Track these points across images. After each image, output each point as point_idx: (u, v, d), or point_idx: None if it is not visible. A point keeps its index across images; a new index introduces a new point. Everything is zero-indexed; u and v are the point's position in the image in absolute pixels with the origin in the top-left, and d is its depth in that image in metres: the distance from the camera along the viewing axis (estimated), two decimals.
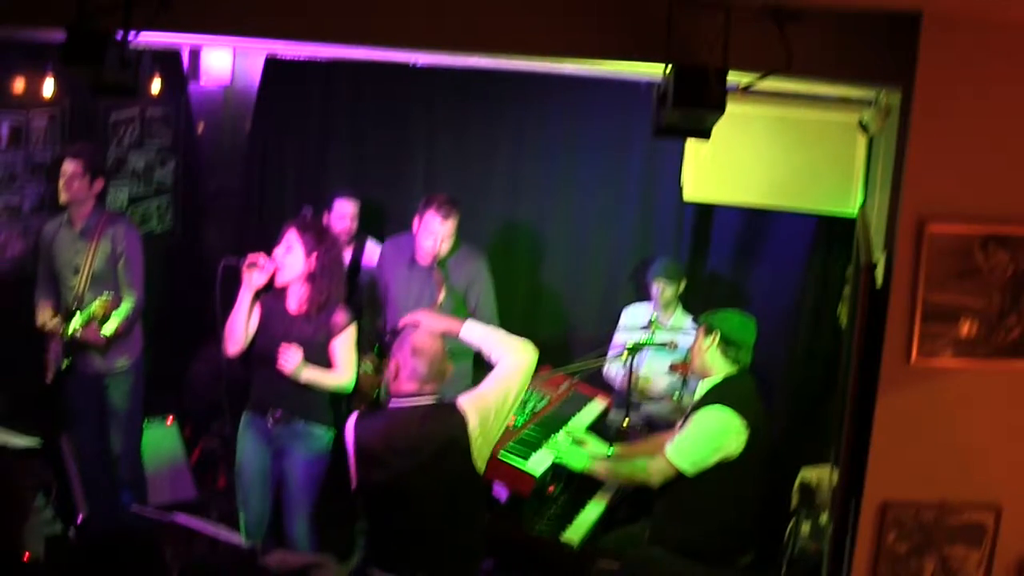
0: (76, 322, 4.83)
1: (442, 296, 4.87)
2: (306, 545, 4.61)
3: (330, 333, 4.46)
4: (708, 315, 4.34)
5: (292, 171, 6.37)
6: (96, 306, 4.80)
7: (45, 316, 5.05)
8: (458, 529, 3.74)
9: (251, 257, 4.39)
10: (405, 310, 4.94)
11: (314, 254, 4.41)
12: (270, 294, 4.51)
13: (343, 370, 4.50)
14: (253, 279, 4.38)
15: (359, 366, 4.87)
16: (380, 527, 3.79)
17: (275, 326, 4.47)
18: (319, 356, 4.45)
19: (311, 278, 4.43)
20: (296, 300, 4.48)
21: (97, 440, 5.26)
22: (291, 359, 4.36)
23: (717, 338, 4.22)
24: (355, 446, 3.69)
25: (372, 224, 5.98)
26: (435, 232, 4.87)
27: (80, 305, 4.93)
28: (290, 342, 4.41)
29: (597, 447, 4.60)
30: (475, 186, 6.06)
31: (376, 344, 5.17)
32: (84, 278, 4.97)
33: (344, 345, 4.49)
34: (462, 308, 5.00)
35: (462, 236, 5.06)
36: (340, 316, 4.47)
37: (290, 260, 4.41)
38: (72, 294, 4.98)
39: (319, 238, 4.44)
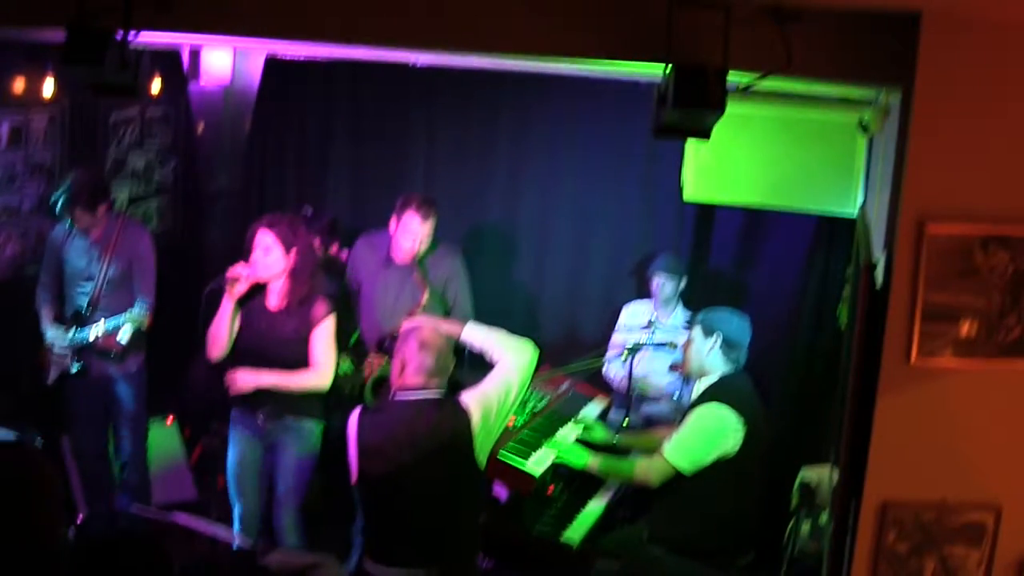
0: (99, 329, 4.82)
1: (425, 296, 4.87)
2: (295, 539, 4.62)
3: (310, 325, 4.47)
4: (705, 315, 4.34)
5: (292, 171, 6.36)
6: (129, 318, 4.80)
7: (49, 321, 5.05)
8: (457, 524, 3.78)
9: (231, 272, 4.40)
10: (383, 308, 4.97)
11: (293, 250, 4.44)
12: (251, 293, 4.53)
13: (318, 367, 4.49)
14: (236, 290, 4.42)
15: (338, 365, 4.89)
16: (379, 521, 3.82)
17: (257, 323, 4.50)
18: (300, 351, 4.47)
19: (293, 274, 4.45)
20: (276, 296, 4.51)
21: (100, 441, 5.27)
22: (240, 381, 4.40)
23: (719, 340, 4.23)
24: (357, 440, 3.74)
25: (371, 224, 5.98)
26: (414, 232, 4.89)
27: (95, 311, 4.93)
28: (271, 337, 4.44)
29: (602, 434, 4.65)
30: (475, 186, 6.07)
31: (352, 342, 5.17)
32: (100, 285, 4.97)
33: (322, 338, 4.48)
34: (442, 306, 5.02)
35: (443, 234, 5.10)
36: (320, 307, 4.49)
37: (271, 260, 4.42)
38: (86, 300, 4.99)
39: (294, 233, 4.46)
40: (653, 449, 4.40)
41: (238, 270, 4.40)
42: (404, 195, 5.02)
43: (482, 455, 3.74)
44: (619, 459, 4.49)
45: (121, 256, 5.02)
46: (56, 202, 4.87)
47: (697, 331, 4.31)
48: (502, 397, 3.79)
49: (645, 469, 4.26)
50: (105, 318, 4.86)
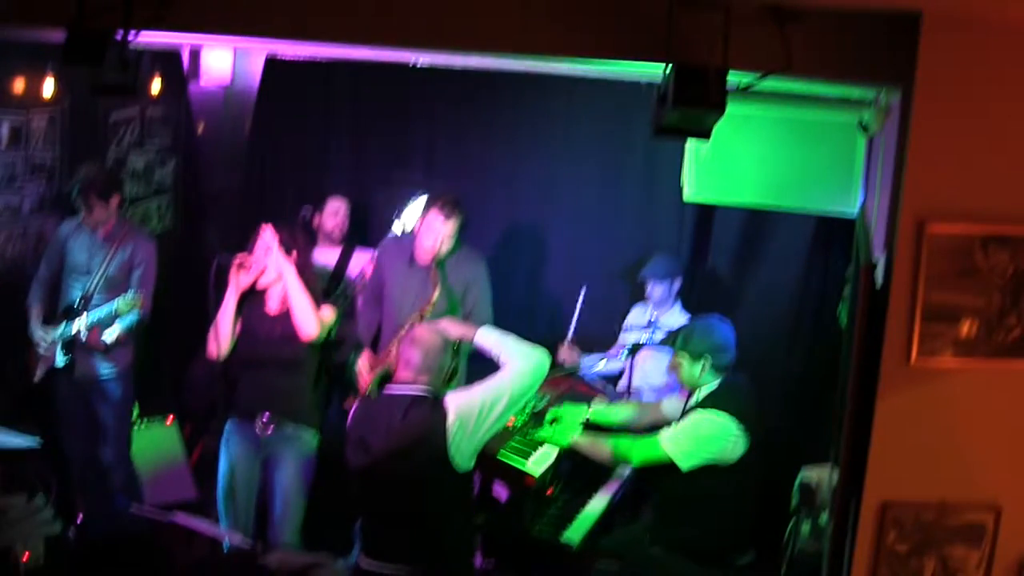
0: (82, 323, 4.84)
1: (436, 295, 4.85)
2: (296, 545, 4.61)
3: None
4: (685, 340, 4.27)
5: (292, 171, 6.36)
6: (121, 304, 4.81)
7: (37, 320, 5.06)
8: (441, 523, 3.78)
9: (239, 257, 4.43)
10: (403, 308, 4.97)
11: (293, 252, 4.47)
12: (250, 299, 4.54)
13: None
14: (240, 280, 4.43)
15: (355, 367, 4.89)
16: (367, 514, 3.87)
17: (256, 328, 4.51)
18: (298, 351, 4.48)
19: None
20: (277, 300, 4.53)
21: (87, 443, 5.24)
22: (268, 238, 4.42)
23: (707, 361, 4.21)
24: (348, 429, 3.82)
25: (370, 224, 5.99)
26: (436, 231, 4.87)
27: (86, 306, 4.94)
28: (271, 341, 4.45)
29: (573, 413, 4.61)
30: (475, 186, 6.06)
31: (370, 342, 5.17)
32: (96, 281, 4.99)
33: (326, 312, 4.53)
34: (456, 308, 5.01)
35: (464, 238, 5.06)
36: (324, 309, 4.53)
37: (270, 261, 4.46)
38: (80, 294, 5.00)
39: (294, 237, 4.53)
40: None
41: (246, 257, 4.44)
42: (431, 195, 4.99)
43: (459, 457, 3.71)
44: (603, 437, 4.45)
45: (124, 258, 5.04)
46: (72, 192, 4.95)
47: (683, 356, 4.27)
48: (489, 403, 3.74)
49: (627, 447, 4.25)
50: (75, 309, 4.90)
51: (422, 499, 3.73)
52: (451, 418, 3.68)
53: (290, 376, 4.52)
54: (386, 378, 4.66)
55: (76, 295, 5.03)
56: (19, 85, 5.22)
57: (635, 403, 4.95)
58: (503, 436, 4.14)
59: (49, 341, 4.98)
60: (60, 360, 5.00)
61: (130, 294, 4.86)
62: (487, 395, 3.76)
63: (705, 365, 4.21)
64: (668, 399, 4.75)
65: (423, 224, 4.91)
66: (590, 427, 4.61)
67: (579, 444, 4.38)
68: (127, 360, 5.19)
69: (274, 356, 4.48)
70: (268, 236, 4.45)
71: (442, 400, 3.74)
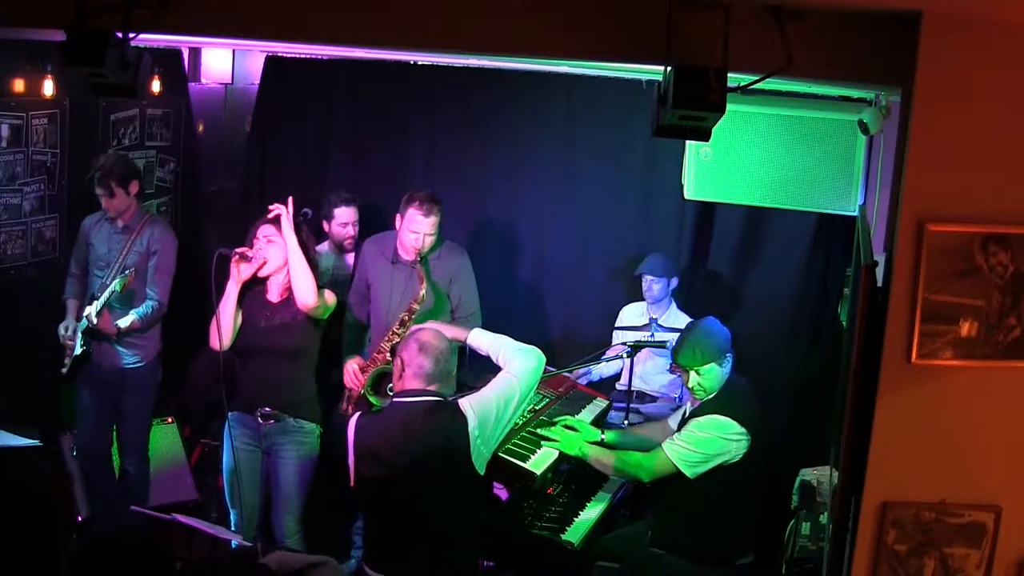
0: (92, 309, 4.87)
1: (423, 290, 4.85)
2: (296, 542, 4.62)
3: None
4: (686, 354, 4.24)
5: (292, 171, 6.37)
6: (118, 283, 4.83)
7: (72, 316, 5.07)
8: (455, 529, 3.74)
9: (240, 249, 4.47)
10: (390, 306, 4.99)
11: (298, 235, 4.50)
12: (251, 290, 4.57)
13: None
14: (241, 271, 4.46)
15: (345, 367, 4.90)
16: (376, 527, 3.80)
17: (257, 318, 4.54)
18: (299, 337, 4.53)
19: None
20: (278, 290, 4.58)
21: (103, 439, 5.26)
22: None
23: (714, 368, 4.20)
24: (355, 443, 3.71)
25: (371, 223, 5.98)
26: (417, 228, 4.89)
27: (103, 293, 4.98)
28: (270, 329, 4.49)
29: (587, 433, 4.58)
30: (475, 184, 6.07)
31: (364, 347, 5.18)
32: (115, 270, 5.02)
33: (328, 294, 4.59)
34: (444, 302, 5.02)
35: (445, 233, 5.09)
36: (327, 292, 4.57)
37: (272, 251, 4.50)
38: (99, 283, 5.04)
39: (299, 227, 4.56)
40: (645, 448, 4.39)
41: (246, 250, 4.48)
42: (409, 192, 5.02)
43: (479, 462, 3.69)
44: (619, 452, 4.45)
45: (142, 249, 5.07)
46: (91, 180, 5.00)
47: (689, 366, 4.24)
48: (502, 405, 3.72)
49: (636, 464, 4.25)
50: (96, 299, 4.93)
51: (443, 507, 3.68)
52: (472, 423, 3.65)
53: (289, 367, 4.54)
54: (379, 379, 4.67)
55: (97, 286, 5.05)
56: (19, 85, 5.23)
57: (644, 426, 4.92)
58: (505, 435, 4.14)
59: (74, 333, 5.00)
60: (78, 348, 5.01)
61: (126, 273, 4.87)
62: (500, 395, 3.74)
63: (710, 370, 4.20)
64: (674, 415, 4.74)
65: (403, 222, 4.92)
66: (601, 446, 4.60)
67: (589, 457, 4.37)
68: (153, 350, 5.20)
69: (273, 345, 4.51)
70: (271, 231, 4.48)
71: (456, 404, 3.71)
